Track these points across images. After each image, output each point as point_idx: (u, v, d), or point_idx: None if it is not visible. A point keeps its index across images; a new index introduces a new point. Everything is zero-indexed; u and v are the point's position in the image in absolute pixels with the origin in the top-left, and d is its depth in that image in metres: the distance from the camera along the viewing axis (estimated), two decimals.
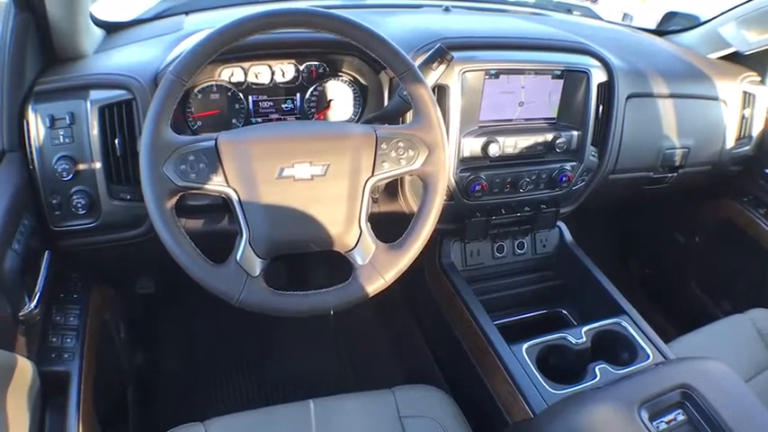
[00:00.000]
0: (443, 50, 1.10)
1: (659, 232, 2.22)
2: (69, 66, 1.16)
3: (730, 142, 1.71)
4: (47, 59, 1.16)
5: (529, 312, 1.49)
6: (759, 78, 1.78)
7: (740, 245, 1.88)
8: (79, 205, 1.09)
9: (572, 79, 1.35)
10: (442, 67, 1.11)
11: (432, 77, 1.11)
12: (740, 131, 1.74)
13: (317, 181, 0.94)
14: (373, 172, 0.97)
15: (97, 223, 1.12)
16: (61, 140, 1.06)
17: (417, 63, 1.09)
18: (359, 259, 0.97)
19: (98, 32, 1.31)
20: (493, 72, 1.27)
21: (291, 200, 0.93)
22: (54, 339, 1.14)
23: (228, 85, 1.19)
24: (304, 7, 0.96)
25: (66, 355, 1.12)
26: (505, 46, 1.31)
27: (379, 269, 0.97)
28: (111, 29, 1.37)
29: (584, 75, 1.35)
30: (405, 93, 1.02)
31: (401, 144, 0.98)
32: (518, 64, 1.29)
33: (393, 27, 1.34)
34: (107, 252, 1.20)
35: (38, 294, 1.03)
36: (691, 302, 2.07)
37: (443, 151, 0.99)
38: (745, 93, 1.73)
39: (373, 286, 0.97)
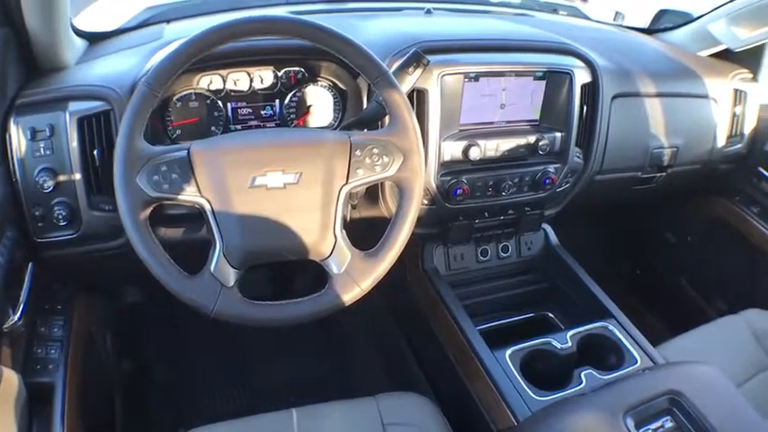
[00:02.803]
0: (419, 55, 1.11)
1: (650, 232, 2.21)
2: (51, 77, 1.17)
3: (721, 140, 1.71)
4: (29, 72, 1.17)
5: (514, 316, 1.50)
6: (751, 75, 1.78)
7: (733, 244, 1.88)
8: (60, 217, 1.09)
9: (554, 80, 1.35)
10: (419, 71, 1.11)
11: (408, 82, 1.12)
12: (731, 129, 1.73)
13: (290, 189, 0.94)
14: (347, 179, 0.97)
15: (78, 234, 1.13)
16: (42, 153, 1.07)
17: (393, 68, 1.11)
18: (334, 268, 0.98)
19: (80, 43, 1.32)
20: (472, 75, 1.27)
21: (264, 209, 0.93)
22: (39, 351, 1.16)
23: (207, 93, 1.20)
24: (276, 15, 0.98)
25: (50, 366, 1.13)
26: (485, 48, 1.31)
27: (355, 277, 0.97)
28: (94, 39, 1.39)
29: (567, 75, 1.35)
30: (381, 98, 1.03)
31: (376, 150, 0.98)
32: (498, 66, 1.29)
33: (371, 31, 1.36)
34: (90, 263, 1.21)
35: (21, 306, 1.05)
36: (684, 303, 2.07)
37: (419, 157, 1.00)
38: (736, 90, 1.72)
39: (349, 295, 0.97)
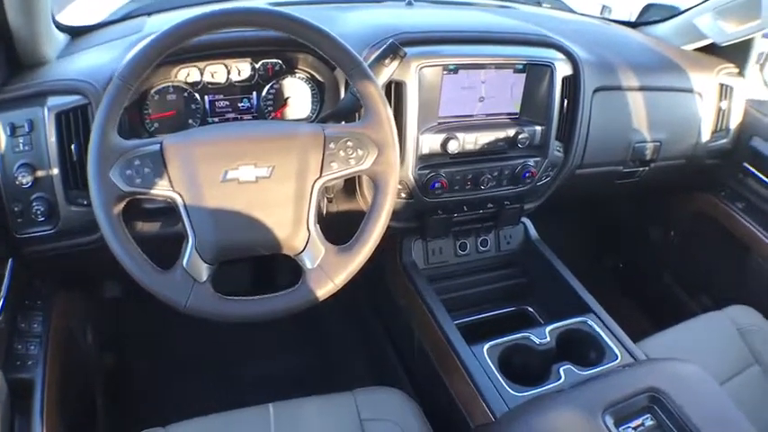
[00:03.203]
0: (396, 46, 1.10)
1: (634, 227, 2.22)
2: (32, 73, 1.17)
3: (706, 135, 1.71)
4: (11, 68, 1.16)
5: (493, 311, 1.50)
6: (737, 70, 1.78)
7: (717, 239, 1.88)
8: (39, 212, 1.09)
9: (535, 73, 1.35)
10: (395, 63, 1.11)
11: (385, 74, 1.11)
12: (717, 124, 1.73)
13: (263, 183, 0.94)
14: (321, 173, 0.97)
15: (57, 229, 1.12)
16: (21, 148, 1.07)
17: (370, 60, 1.10)
18: (308, 263, 0.97)
19: (61, 37, 1.31)
20: (451, 67, 1.27)
21: (236, 203, 0.93)
22: (19, 347, 1.16)
23: (185, 86, 1.20)
24: (250, 6, 0.97)
25: (30, 363, 1.13)
26: (465, 40, 1.31)
27: (329, 273, 0.97)
28: (76, 33, 1.38)
29: (548, 68, 1.35)
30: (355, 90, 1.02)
31: (350, 143, 0.98)
32: (478, 58, 1.29)
33: (350, 23, 1.35)
34: (69, 258, 1.21)
35: (1, 302, 1.05)
36: (668, 298, 2.07)
37: (394, 150, 1.00)
38: (721, 85, 1.72)
39: (323, 290, 0.97)
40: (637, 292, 2.20)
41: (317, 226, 0.98)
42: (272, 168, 0.94)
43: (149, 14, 1.46)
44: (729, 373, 1.44)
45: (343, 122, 1.14)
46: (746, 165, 1.78)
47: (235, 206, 0.93)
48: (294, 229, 0.95)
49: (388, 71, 1.11)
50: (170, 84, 1.18)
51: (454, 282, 1.51)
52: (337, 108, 1.20)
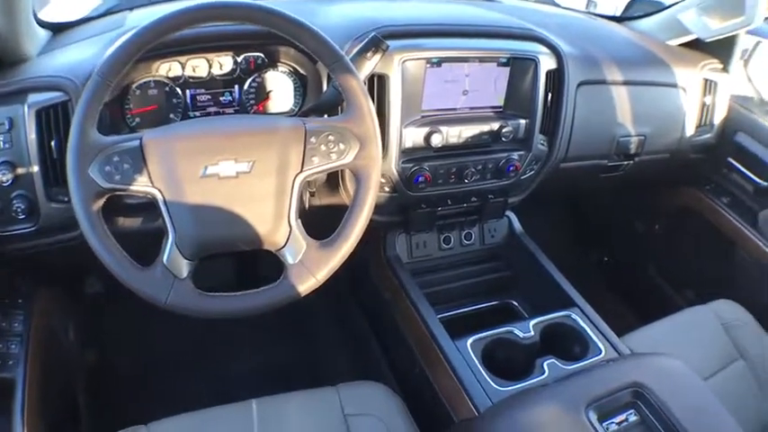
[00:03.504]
0: (378, 39, 1.10)
1: (619, 220, 2.23)
2: (13, 70, 1.16)
3: (690, 130, 1.72)
4: None
5: (478, 304, 1.50)
6: (721, 66, 1.79)
7: (702, 234, 1.89)
8: (19, 210, 1.08)
9: (519, 67, 1.35)
10: (378, 56, 1.11)
11: (367, 67, 1.11)
12: (701, 119, 1.74)
13: (243, 178, 0.93)
14: (302, 167, 0.96)
15: (37, 227, 1.11)
16: (1, 146, 1.06)
17: (352, 53, 1.10)
18: (289, 258, 0.97)
19: (42, 34, 1.30)
20: (435, 60, 1.27)
21: (216, 199, 0.93)
22: (0, 346, 1.15)
23: (166, 80, 1.19)
24: (229, 0, 0.97)
25: (10, 362, 1.13)
26: (448, 33, 1.31)
27: (311, 268, 0.97)
28: (58, 29, 1.37)
29: (532, 62, 1.35)
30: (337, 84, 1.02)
31: (331, 137, 0.97)
32: (461, 52, 1.29)
33: (333, 16, 1.35)
34: (50, 255, 1.20)
35: None
36: (653, 292, 2.08)
37: (376, 144, 0.99)
38: (706, 80, 1.73)
39: (304, 286, 0.97)
40: (622, 287, 2.21)
41: (299, 221, 0.98)
42: (252, 163, 0.94)
43: (131, 9, 1.45)
44: (714, 368, 1.45)
45: (325, 116, 1.14)
46: (731, 160, 1.80)
47: (215, 202, 0.93)
48: (275, 224, 0.95)
49: (371, 64, 1.11)
50: (151, 78, 1.18)
51: (438, 275, 1.51)
52: (319, 102, 1.19)
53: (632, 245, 2.18)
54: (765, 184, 1.72)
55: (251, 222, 0.94)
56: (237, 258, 1.82)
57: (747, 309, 1.60)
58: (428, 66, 1.27)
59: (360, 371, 1.69)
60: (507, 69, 1.35)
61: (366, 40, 1.11)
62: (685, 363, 1.33)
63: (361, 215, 0.99)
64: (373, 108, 1.01)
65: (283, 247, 0.97)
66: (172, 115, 1.22)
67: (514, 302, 1.53)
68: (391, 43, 1.21)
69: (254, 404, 1.13)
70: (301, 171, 0.96)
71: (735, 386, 1.45)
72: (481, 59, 1.31)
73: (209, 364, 1.80)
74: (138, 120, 1.19)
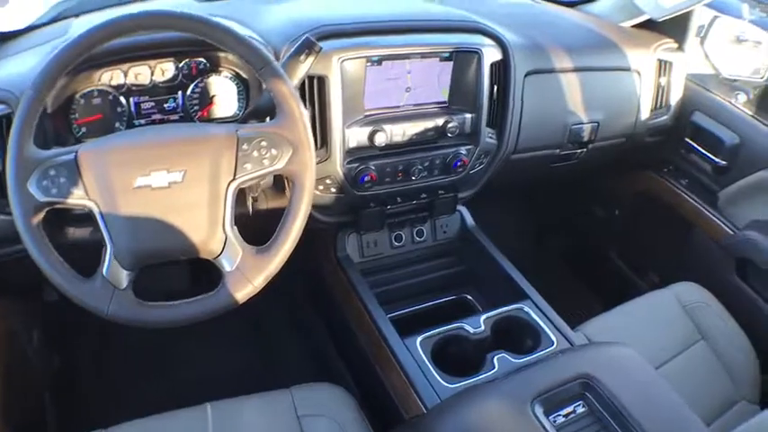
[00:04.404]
0: (310, 41, 1.11)
1: (579, 208, 2.25)
2: None
3: (645, 113, 1.73)
4: None
5: (433, 300, 1.52)
6: (676, 45, 1.80)
7: (663, 216, 1.92)
8: None
9: (462, 60, 1.36)
10: (311, 59, 1.11)
11: (301, 70, 1.12)
12: (656, 101, 1.76)
13: (175, 188, 0.95)
14: (235, 174, 0.98)
15: None
16: None
17: (286, 56, 1.11)
18: (226, 265, 0.99)
19: None
20: (375, 59, 1.28)
21: (150, 210, 0.94)
22: None
23: (109, 89, 1.19)
24: (157, 9, 0.98)
25: None
26: (388, 30, 1.31)
27: (248, 274, 0.99)
28: (4, 39, 1.37)
29: (475, 54, 1.36)
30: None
31: (263, 143, 0.99)
32: (401, 48, 1.30)
33: (273, 18, 1.35)
34: (5, 265, 1.22)
35: None
36: (617, 278, 2.11)
37: (309, 149, 1.01)
38: (660, 61, 1.75)
39: (242, 293, 0.99)
40: (586, 274, 2.24)
41: (235, 228, 0.99)
42: (184, 173, 0.95)
43: (77, 16, 1.45)
44: (675, 351, 1.48)
45: (267, 119, 1.15)
46: (688, 140, 1.82)
47: (149, 213, 0.94)
48: (210, 232, 0.97)
49: (304, 67, 1.12)
50: (94, 88, 1.18)
51: (391, 274, 1.53)
52: (256, 107, 1.21)
53: (594, 232, 2.21)
54: (724, 163, 1.74)
55: (185, 232, 0.96)
56: (191, 263, 1.83)
57: (710, 290, 1.62)
58: (368, 64, 1.28)
59: (318, 372, 1.72)
60: (450, 64, 1.36)
61: (299, 42, 1.12)
62: (643, 348, 1.35)
63: (296, 220, 1.01)
64: (305, 112, 1.02)
65: (220, 254, 0.98)
66: (117, 124, 1.22)
67: (469, 297, 1.55)
68: (329, 43, 1.23)
69: (209, 408, 1.15)
70: (234, 178, 0.98)
71: (697, 367, 1.48)
72: (423, 55, 1.32)
73: (170, 368, 1.82)
74: (84, 129, 1.20)
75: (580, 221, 2.27)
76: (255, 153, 0.98)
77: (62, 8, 1.51)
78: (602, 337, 1.42)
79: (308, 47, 1.11)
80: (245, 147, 0.98)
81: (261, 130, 1.00)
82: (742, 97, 1.86)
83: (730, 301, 1.60)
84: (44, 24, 1.44)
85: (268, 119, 1.14)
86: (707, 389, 1.45)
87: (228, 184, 0.97)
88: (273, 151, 0.99)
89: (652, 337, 1.50)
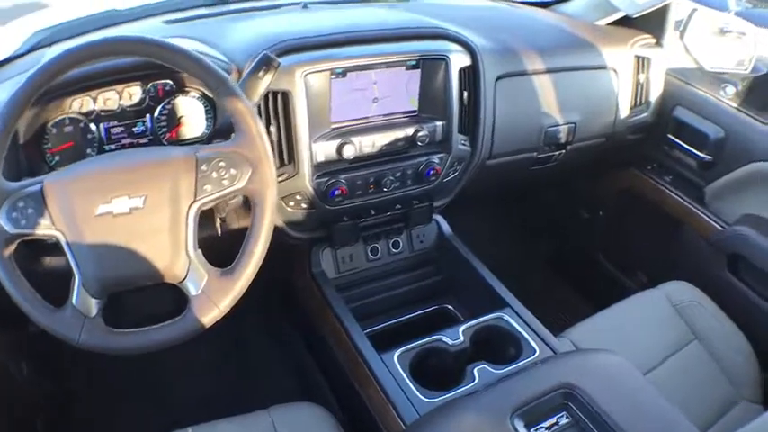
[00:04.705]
0: (268, 57, 1.11)
1: (563, 210, 2.23)
2: None
3: (625, 111, 1.72)
4: None
5: (413, 312, 1.51)
6: (654, 41, 1.79)
7: (648, 215, 1.90)
8: None
9: (429, 68, 1.35)
10: (270, 75, 1.11)
11: (261, 87, 1.11)
12: (635, 99, 1.75)
13: (137, 214, 0.95)
14: (195, 197, 0.97)
15: None
16: None
17: (246, 73, 1.11)
18: (192, 289, 0.99)
19: None
20: (339, 71, 1.27)
21: (113, 237, 0.94)
22: None
23: (79, 117, 1.19)
24: (114, 36, 0.99)
25: None
26: (351, 41, 1.30)
27: (213, 298, 0.98)
28: None
29: (442, 61, 1.35)
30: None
31: (222, 164, 0.98)
32: (366, 59, 1.29)
33: (238, 35, 1.34)
34: None
35: None
36: (605, 279, 2.09)
37: (268, 167, 1.01)
38: (638, 57, 1.73)
39: (208, 316, 0.98)
40: (574, 277, 2.21)
41: (199, 251, 0.99)
42: (144, 198, 0.95)
43: (50, 45, 1.45)
44: (667, 352, 1.46)
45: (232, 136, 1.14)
46: (671, 136, 1.80)
47: (112, 240, 0.94)
48: (173, 257, 0.96)
49: (264, 83, 1.12)
50: (65, 116, 1.18)
51: (368, 287, 1.52)
52: (219, 126, 1.20)
53: (579, 234, 2.19)
54: (709, 157, 1.72)
55: (149, 258, 0.95)
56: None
57: (701, 287, 1.60)
58: (333, 77, 1.27)
59: (300, 389, 1.70)
60: (418, 72, 1.35)
61: (257, 59, 1.11)
62: (633, 352, 1.34)
63: (259, 240, 1.01)
64: (263, 130, 1.02)
65: (185, 279, 0.98)
66: (89, 150, 1.22)
67: (450, 307, 1.53)
68: (291, 57, 1.23)
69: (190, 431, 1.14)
70: (195, 201, 0.97)
71: (692, 369, 1.46)
72: (388, 64, 1.31)
73: (156, 390, 1.82)
74: (57, 158, 1.20)
75: (565, 224, 2.25)
76: (215, 174, 0.98)
77: (39, 38, 1.51)
78: (589, 342, 1.40)
79: (266, 63, 1.10)
80: (204, 168, 0.98)
81: (219, 151, 1.00)
82: (730, 89, 1.84)
83: (723, 298, 1.58)
84: (21, 55, 1.45)
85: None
86: (704, 390, 1.43)
87: (189, 207, 0.97)
88: (233, 171, 0.99)
89: (642, 339, 1.48)
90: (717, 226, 1.70)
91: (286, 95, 1.23)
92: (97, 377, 1.85)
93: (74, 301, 0.94)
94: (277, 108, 1.24)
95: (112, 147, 1.24)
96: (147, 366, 1.82)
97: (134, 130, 1.25)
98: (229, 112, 1.01)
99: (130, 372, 1.84)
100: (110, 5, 1.61)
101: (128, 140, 1.25)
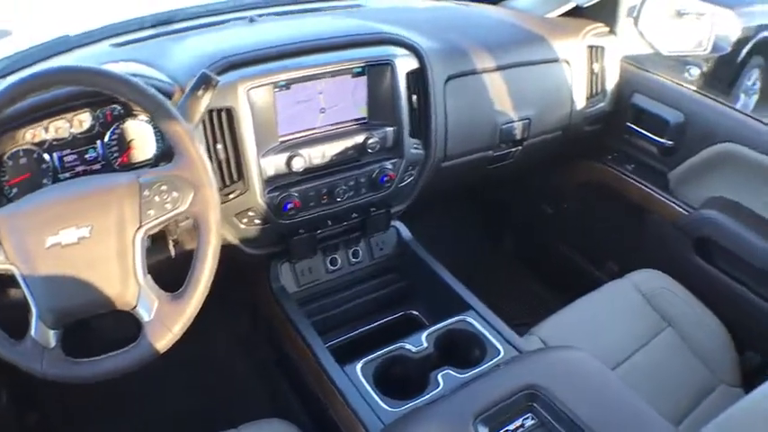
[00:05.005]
0: (206, 76, 1.10)
1: (527, 206, 2.23)
2: None
3: (580, 102, 1.72)
4: None
5: (379, 320, 1.50)
6: (607, 29, 1.79)
7: (612, 205, 1.90)
8: None
9: (375, 74, 1.35)
10: (209, 93, 1.10)
11: (201, 106, 1.11)
12: (591, 89, 1.75)
13: (84, 244, 0.95)
14: (140, 222, 0.98)
15: None
16: None
17: (185, 93, 1.10)
18: (144, 315, 0.99)
19: None
20: (282, 83, 1.26)
21: (64, 268, 0.95)
22: None
23: (33, 147, 1.19)
24: (46, 68, 0.99)
25: None
26: (291, 53, 1.30)
27: (166, 322, 0.99)
28: None
29: (388, 66, 1.35)
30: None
31: (164, 187, 0.99)
32: (308, 70, 1.28)
33: (181, 54, 1.33)
34: None
35: None
36: (575, 272, 2.08)
37: (210, 188, 1.01)
38: (590, 47, 1.74)
39: (162, 342, 0.99)
40: (543, 272, 2.21)
41: (149, 276, 1.00)
42: (91, 227, 0.96)
43: (5, 76, 1.44)
44: (640, 342, 1.46)
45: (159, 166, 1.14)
46: (630, 124, 1.80)
47: (63, 271, 0.95)
48: (123, 284, 0.97)
49: (204, 102, 1.11)
50: (19, 147, 1.18)
51: (330, 300, 1.51)
52: (164, 149, 1.20)
53: (545, 228, 2.19)
54: (670, 143, 1.72)
55: (99, 286, 0.96)
56: None
57: (670, 274, 1.60)
58: (276, 90, 1.27)
59: (273, 409, 1.69)
60: (364, 78, 1.35)
61: (195, 78, 1.10)
62: (604, 344, 1.34)
63: (205, 262, 1.01)
64: (202, 151, 1.02)
65: (136, 305, 0.99)
66: (45, 180, 1.22)
67: (416, 312, 1.53)
68: (232, 74, 1.23)
69: None
70: (140, 226, 0.98)
71: (667, 357, 1.46)
72: (333, 73, 1.31)
73: (126, 410, 1.81)
74: (15, 190, 1.20)
75: (530, 219, 2.25)
76: (157, 198, 0.99)
77: (4, 64, 1.50)
78: (558, 339, 1.40)
79: (204, 82, 1.10)
80: (146, 193, 0.98)
81: (161, 174, 1.01)
82: (695, 71, 1.85)
83: (693, 283, 1.58)
84: None
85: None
86: (681, 378, 1.43)
87: (135, 233, 0.98)
88: (175, 194, 0.99)
89: (613, 331, 1.48)
90: (682, 211, 1.71)
91: (230, 112, 1.22)
92: (69, 399, 1.84)
93: (32, 333, 0.95)
94: (222, 125, 1.23)
95: (67, 175, 1.24)
96: (118, 385, 1.82)
97: (86, 156, 1.25)
98: (167, 135, 1.02)
99: (102, 392, 1.83)
100: (63, 32, 1.60)
101: (81, 168, 1.25)
